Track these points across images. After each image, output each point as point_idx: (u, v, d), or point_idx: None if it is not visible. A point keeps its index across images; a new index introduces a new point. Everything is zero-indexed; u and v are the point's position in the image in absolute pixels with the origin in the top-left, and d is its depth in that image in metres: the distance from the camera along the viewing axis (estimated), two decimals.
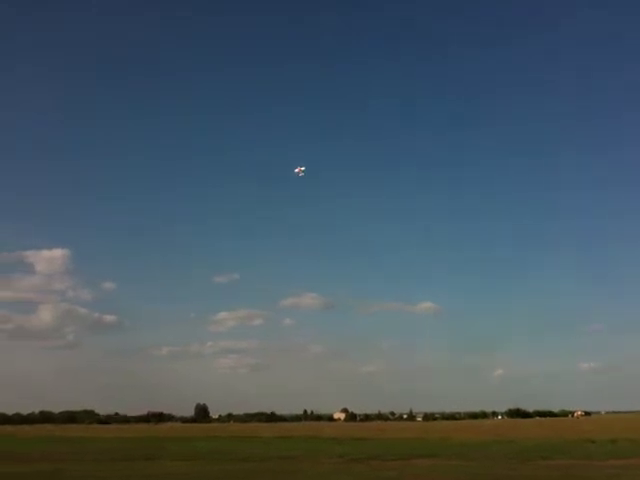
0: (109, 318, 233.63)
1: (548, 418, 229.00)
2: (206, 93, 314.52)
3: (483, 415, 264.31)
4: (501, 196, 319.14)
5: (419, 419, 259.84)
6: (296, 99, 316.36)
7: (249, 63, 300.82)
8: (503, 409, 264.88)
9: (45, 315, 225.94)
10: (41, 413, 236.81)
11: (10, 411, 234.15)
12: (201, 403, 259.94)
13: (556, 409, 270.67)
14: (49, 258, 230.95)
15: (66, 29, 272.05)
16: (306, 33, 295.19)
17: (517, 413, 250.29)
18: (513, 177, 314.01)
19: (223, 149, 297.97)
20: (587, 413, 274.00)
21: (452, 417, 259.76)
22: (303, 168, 73.74)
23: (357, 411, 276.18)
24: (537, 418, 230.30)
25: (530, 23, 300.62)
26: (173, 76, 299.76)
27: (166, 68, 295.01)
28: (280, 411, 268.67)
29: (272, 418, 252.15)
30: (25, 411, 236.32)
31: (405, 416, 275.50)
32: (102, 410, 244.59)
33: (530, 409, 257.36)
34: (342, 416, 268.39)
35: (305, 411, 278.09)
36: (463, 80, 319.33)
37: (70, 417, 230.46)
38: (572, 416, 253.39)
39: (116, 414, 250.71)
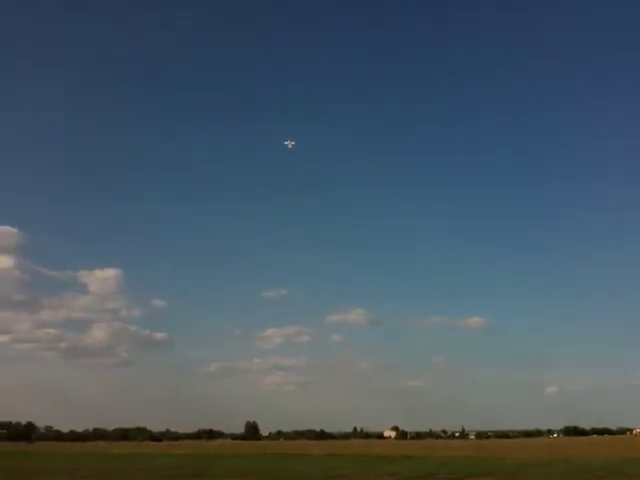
0: (159, 335, 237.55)
1: (606, 436, 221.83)
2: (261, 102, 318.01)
3: (538, 433, 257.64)
4: (547, 211, 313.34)
5: (472, 437, 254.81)
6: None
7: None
8: (559, 427, 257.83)
9: (98, 334, 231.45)
10: (95, 430, 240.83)
11: (65, 428, 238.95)
12: (251, 421, 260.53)
13: (614, 426, 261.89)
14: (102, 278, 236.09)
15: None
16: None
17: (573, 431, 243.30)
18: (560, 198, 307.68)
19: (269, 164, 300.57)
20: None
21: (506, 435, 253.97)
22: (293, 142, 75.75)
23: (408, 429, 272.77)
24: (594, 436, 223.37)
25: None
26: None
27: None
28: (329, 428, 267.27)
29: (321, 435, 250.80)
30: (79, 428, 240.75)
31: (457, 434, 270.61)
32: (154, 427, 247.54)
33: (587, 426, 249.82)
34: (392, 434, 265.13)
35: (355, 428, 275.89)
36: None
37: (123, 434, 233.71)
38: (630, 433, 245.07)
39: (167, 431, 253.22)
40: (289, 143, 74.77)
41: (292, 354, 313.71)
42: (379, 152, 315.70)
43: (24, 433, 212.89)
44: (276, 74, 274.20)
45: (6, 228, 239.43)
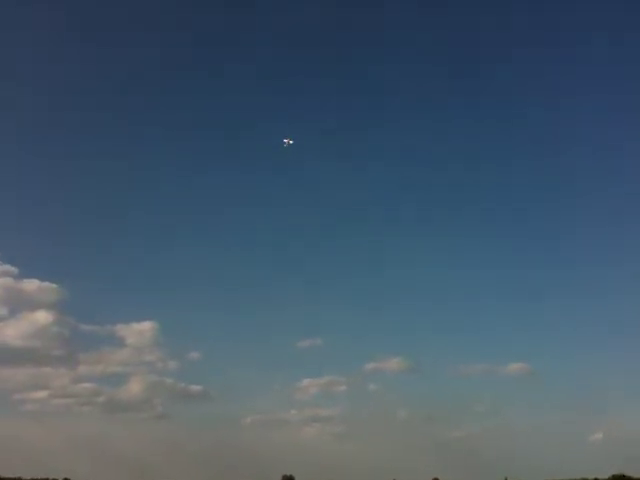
0: (195, 388, 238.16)
1: None
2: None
3: None
4: (591, 255, 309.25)
5: None
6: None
7: None
8: (606, 475, 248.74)
9: (135, 387, 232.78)
10: None
11: None
12: (287, 474, 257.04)
13: None
14: (139, 331, 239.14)
15: None
16: None
17: (622, 479, 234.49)
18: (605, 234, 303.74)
19: (293, 214, 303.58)
20: None
21: None
22: (291, 141, 77.18)
23: None
24: None
25: None
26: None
27: None
28: None
29: None
30: None
31: None
32: None
33: (636, 475, 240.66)
34: None
35: None
36: None
37: None
38: None
39: None
40: (287, 141, 76.84)
41: (328, 404, 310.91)
42: (409, 202, 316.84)
43: None
44: None
45: (46, 284, 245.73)
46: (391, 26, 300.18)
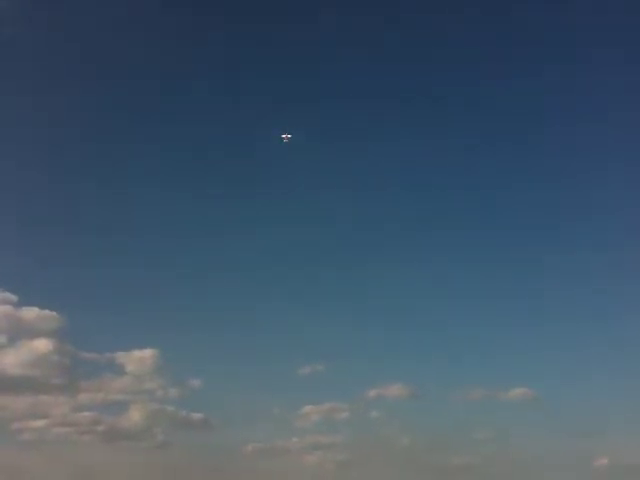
0: (196, 416, 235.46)
1: None
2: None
3: None
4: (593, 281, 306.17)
5: None
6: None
7: None
8: None
9: (135, 416, 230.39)
10: None
11: None
12: None
13: None
14: (139, 358, 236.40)
15: None
16: None
17: None
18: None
19: (298, 243, 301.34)
20: None
21: None
22: (290, 135, 75.38)
23: None
24: None
25: None
26: None
27: None
28: None
29: None
30: None
31: None
32: None
33: None
34: None
35: None
36: None
37: None
38: None
39: None
40: (285, 136, 75.88)
41: (330, 432, 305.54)
42: (406, 224, 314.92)
43: None
44: None
45: (45, 312, 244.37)
46: None
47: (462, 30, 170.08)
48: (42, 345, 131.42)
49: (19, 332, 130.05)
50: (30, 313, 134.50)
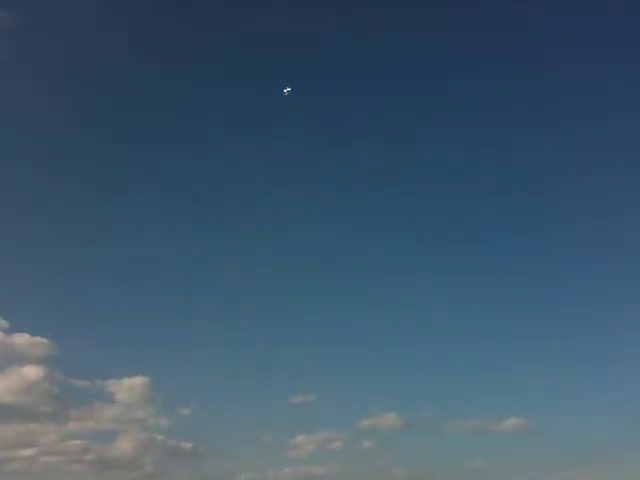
0: (186, 446, 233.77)
1: None
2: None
3: None
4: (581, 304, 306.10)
5: None
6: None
7: None
8: None
9: (125, 445, 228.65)
10: None
11: None
12: None
13: None
14: (129, 386, 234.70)
15: None
16: None
17: None
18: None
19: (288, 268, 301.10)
20: None
21: None
22: (289, 89, 75.15)
23: None
24: None
25: None
26: None
27: None
28: None
29: None
30: None
31: None
32: None
33: None
34: None
35: None
36: None
37: None
38: None
39: None
40: (286, 91, 75.52)
41: (323, 462, 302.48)
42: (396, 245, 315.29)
43: None
44: None
45: (37, 338, 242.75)
46: None
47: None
48: (32, 372, 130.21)
49: (9, 359, 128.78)
50: (21, 339, 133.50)
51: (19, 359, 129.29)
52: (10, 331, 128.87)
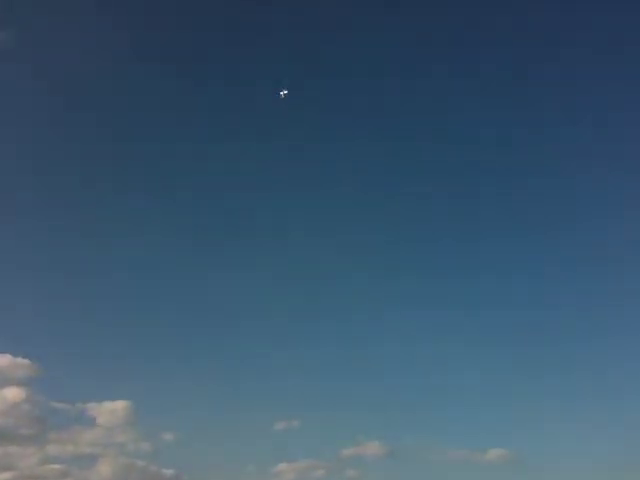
0: (168, 472, 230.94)
1: None
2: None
3: None
4: (564, 336, 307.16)
5: None
6: None
7: None
8: None
9: (104, 470, 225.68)
10: None
11: None
12: None
13: None
14: (111, 410, 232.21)
15: None
16: None
17: None
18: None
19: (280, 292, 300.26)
20: None
21: None
22: (286, 92, 76.66)
23: None
24: None
25: None
26: None
27: None
28: None
29: None
30: None
31: None
32: None
33: None
34: None
35: None
36: None
37: None
38: None
39: None
40: (283, 93, 76.94)
41: None
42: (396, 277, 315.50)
43: None
44: None
45: (19, 360, 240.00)
46: None
47: None
48: (14, 394, 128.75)
49: None
50: (3, 360, 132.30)
51: (1, 380, 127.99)
52: None
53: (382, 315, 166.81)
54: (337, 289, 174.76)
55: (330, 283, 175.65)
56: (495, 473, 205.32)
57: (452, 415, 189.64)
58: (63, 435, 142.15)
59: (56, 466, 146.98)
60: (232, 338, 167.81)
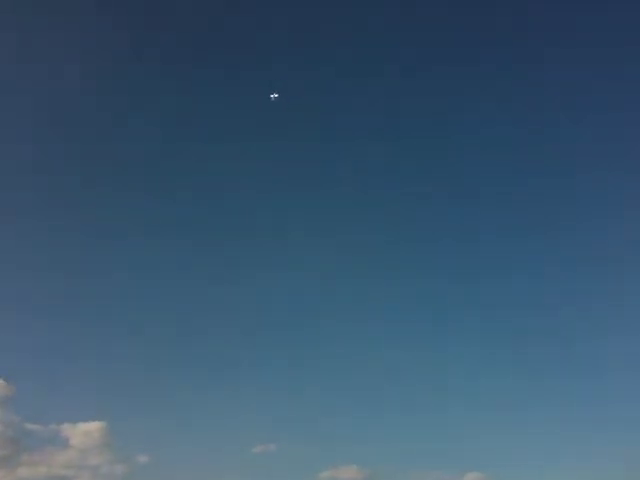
0: None
1: None
2: None
3: None
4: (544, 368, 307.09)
5: None
6: None
7: None
8: None
9: None
10: None
11: None
12: None
13: None
14: (85, 432, 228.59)
15: None
16: None
17: None
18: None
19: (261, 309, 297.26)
20: None
21: None
22: (276, 95, 79.17)
23: None
24: None
25: None
26: None
27: None
28: None
29: None
30: None
31: None
32: None
33: None
34: None
35: None
36: None
37: None
38: None
39: None
40: (273, 96, 78.95)
41: None
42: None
43: None
44: None
45: None
46: None
47: None
48: None
49: None
50: None
51: None
52: None
53: (359, 345, 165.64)
54: (317, 309, 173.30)
55: (314, 302, 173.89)
56: None
57: (429, 439, 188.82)
58: (36, 457, 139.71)
59: None
60: (210, 361, 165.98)
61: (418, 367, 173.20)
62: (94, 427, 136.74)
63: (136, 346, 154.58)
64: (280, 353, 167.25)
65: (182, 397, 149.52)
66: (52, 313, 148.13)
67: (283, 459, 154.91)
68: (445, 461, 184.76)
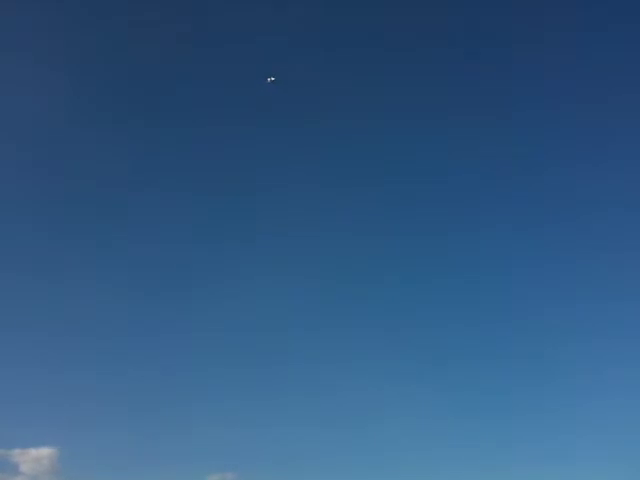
0: None
1: None
2: None
3: None
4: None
5: None
6: None
7: None
8: None
9: None
10: None
11: None
12: None
13: None
14: (35, 457, 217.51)
15: None
16: None
17: None
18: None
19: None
20: None
21: None
22: (273, 78, 78.97)
23: None
24: None
25: None
26: None
27: None
28: None
29: None
30: None
31: None
32: None
33: None
34: None
35: None
36: None
37: None
38: None
39: None
40: (270, 79, 78.51)
41: None
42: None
43: None
44: None
45: None
46: None
47: None
48: None
49: None
50: None
51: None
52: None
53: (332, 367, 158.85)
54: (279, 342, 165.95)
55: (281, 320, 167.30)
56: None
57: (404, 467, 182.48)
58: None
59: None
60: (164, 386, 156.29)
61: (396, 396, 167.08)
62: (45, 453, 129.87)
63: (88, 370, 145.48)
64: (247, 377, 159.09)
65: (135, 424, 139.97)
66: (7, 331, 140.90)
67: None
68: None
